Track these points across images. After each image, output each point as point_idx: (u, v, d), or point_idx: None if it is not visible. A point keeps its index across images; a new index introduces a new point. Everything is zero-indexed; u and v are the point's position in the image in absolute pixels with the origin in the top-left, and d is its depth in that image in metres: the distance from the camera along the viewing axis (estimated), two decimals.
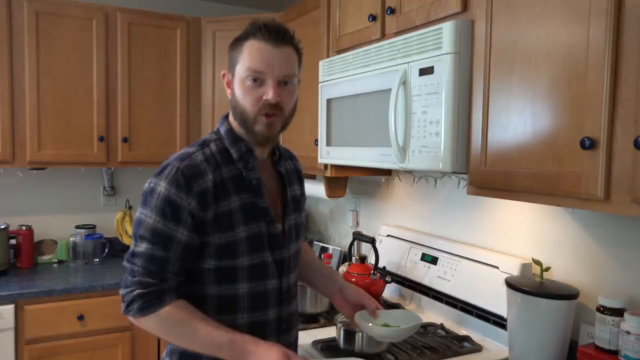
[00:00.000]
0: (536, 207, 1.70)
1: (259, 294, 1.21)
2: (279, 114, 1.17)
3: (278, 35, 1.15)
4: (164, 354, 1.28)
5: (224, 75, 1.23)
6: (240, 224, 1.16)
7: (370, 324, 1.35)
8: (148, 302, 1.09)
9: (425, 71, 1.48)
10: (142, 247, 1.11)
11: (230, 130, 1.23)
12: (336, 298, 1.42)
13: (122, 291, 1.13)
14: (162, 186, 1.11)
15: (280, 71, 1.15)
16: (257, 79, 1.14)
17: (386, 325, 1.36)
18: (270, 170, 1.30)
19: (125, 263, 1.14)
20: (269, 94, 1.14)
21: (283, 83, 1.17)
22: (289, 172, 1.36)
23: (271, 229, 1.22)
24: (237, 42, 1.19)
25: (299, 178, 1.41)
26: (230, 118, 1.25)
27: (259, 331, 1.20)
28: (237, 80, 1.17)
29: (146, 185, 1.15)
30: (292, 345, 1.32)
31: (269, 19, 1.19)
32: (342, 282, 1.44)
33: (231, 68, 1.20)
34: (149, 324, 1.12)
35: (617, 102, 1.06)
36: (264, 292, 1.21)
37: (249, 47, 1.15)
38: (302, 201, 1.39)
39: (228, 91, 1.23)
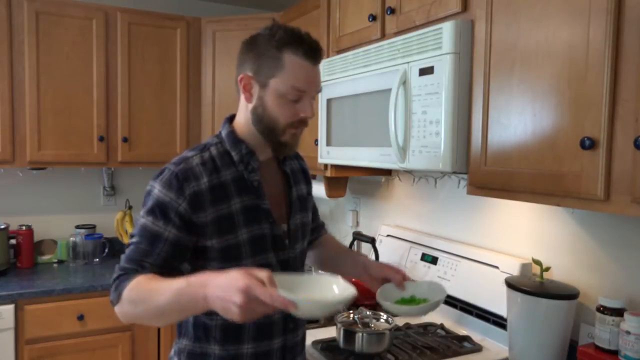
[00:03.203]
0: (536, 207, 1.70)
1: None
2: (304, 126, 1.20)
3: (317, 53, 1.16)
4: (171, 352, 1.27)
5: (241, 79, 1.17)
6: (242, 226, 1.16)
7: (389, 303, 1.28)
8: (120, 283, 1.09)
9: (425, 71, 1.48)
10: (131, 241, 1.14)
11: (232, 132, 1.22)
12: (364, 278, 1.39)
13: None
14: (156, 188, 1.14)
15: (316, 89, 1.18)
16: (298, 96, 1.16)
17: (413, 299, 1.33)
18: (276, 170, 1.30)
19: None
20: (308, 112, 1.16)
21: (312, 98, 1.19)
22: (295, 172, 1.35)
23: (275, 230, 1.21)
24: (268, 49, 1.14)
25: (306, 177, 1.40)
26: (236, 121, 1.24)
27: (266, 331, 1.21)
28: (274, 93, 1.14)
29: (147, 187, 1.17)
30: (299, 344, 1.31)
31: (296, 27, 1.18)
32: (364, 262, 1.40)
33: (259, 76, 1.15)
34: (125, 307, 1.10)
35: (617, 102, 1.06)
36: None
37: (291, 64, 1.13)
38: (308, 200, 1.38)
39: (245, 95, 1.18)
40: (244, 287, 0.91)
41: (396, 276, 1.34)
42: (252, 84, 1.17)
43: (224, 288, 0.93)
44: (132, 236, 1.16)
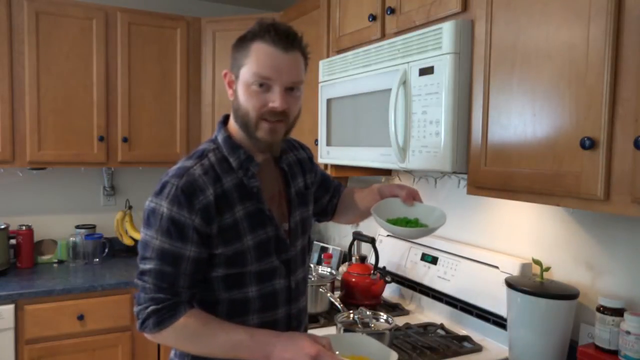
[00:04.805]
0: (536, 207, 1.70)
1: (269, 294, 1.20)
2: (284, 120, 1.15)
3: (288, 39, 1.11)
4: (171, 354, 1.26)
5: (225, 74, 1.19)
6: (247, 233, 1.15)
7: (380, 219, 1.26)
8: (162, 316, 1.09)
9: (425, 71, 1.48)
10: (151, 264, 1.10)
11: (228, 138, 1.19)
12: (377, 200, 1.38)
13: (135, 308, 1.12)
14: (164, 206, 1.09)
15: (288, 78, 1.12)
16: (264, 85, 1.11)
17: (416, 222, 1.30)
18: (274, 169, 1.28)
19: (136, 280, 1.13)
20: (276, 102, 1.11)
21: (289, 89, 1.14)
22: (292, 166, 1.32)
23: (278, 232, 1.20)
24: (242, 42, 1.14)
25: (302, 169, 1.36)
26: (230, 123, 1.22)
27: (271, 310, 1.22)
28: (242, 83, 1.13)
29: (147, 204, 1.13)
30: (302, 311, 1.31)
31: (275, 20, 1.16)
32: (378, 187, 1.40)
33: (234, 69, 1.16)
34: (166, 337, 1.11)
35: (617, 102, 1.06)
36: (273, 292, 1.21)
37: (257, 51, 1.11)
38: (307, 194, 1.35)
39: (229, 92, 1.19)
40: (315, 353, 1.02)
41: (401, 192, 1.34)
42: (232, 80, 1.18)
43: (293, 352, 1.04)
44: (148, 258, 1.11)
